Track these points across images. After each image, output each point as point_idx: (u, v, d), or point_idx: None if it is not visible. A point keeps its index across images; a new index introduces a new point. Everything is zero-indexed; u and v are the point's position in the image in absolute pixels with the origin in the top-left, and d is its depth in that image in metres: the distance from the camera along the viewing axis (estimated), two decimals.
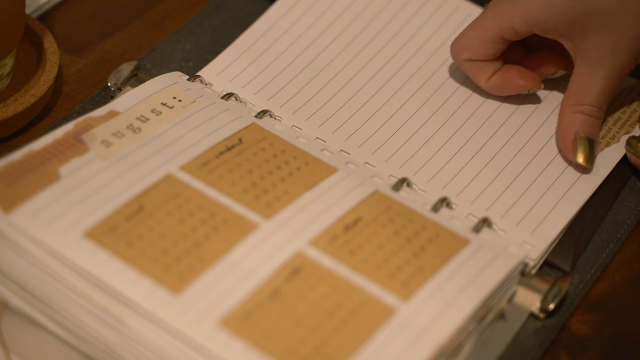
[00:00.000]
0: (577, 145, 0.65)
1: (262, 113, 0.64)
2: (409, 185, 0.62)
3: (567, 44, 0.65)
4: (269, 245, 0.56)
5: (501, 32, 0.65)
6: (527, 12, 0.64)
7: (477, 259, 0.57)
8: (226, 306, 0.53)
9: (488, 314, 0.57)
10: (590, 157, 0.64)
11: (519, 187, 0.63)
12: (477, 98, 0.68)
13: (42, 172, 0.57)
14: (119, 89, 0.67)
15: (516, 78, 0.67)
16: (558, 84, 0.69)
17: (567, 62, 0.68)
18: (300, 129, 0.65)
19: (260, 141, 0.62)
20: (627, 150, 0.66)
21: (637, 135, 0.66)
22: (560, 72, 0.68)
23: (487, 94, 0.68)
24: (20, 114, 0.65)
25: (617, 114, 0.68)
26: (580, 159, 0.64)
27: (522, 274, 0.59)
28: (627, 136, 0.67)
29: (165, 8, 0.74)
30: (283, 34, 0.71)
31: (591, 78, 0.65)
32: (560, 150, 0.66)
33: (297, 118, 0.66)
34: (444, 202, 0.61)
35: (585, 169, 0.65)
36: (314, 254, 0.56)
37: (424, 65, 0.70)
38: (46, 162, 0.58)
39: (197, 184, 0.58)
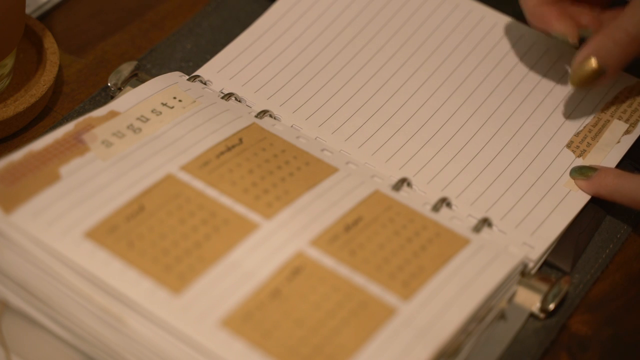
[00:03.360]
0: (581, 67, 0.63)
1: (263, 113, 0.64)
2: (409, 185, 0.62)
3: None
4: (270, 245, 0.56)
5: None
6: None
7: (477, 258, 0.57)
8: (227, 306, 0.53)
9: (488, 314, 0.57)
10: (581, 82, 0.63)
11: (518, 189, 0.63)
12: (476, 99, 0.68)
13: (43, 173, 0.57)
14: (119, 89, 0.67)
15: (554, 18, 0.65)
16: (556, 85, 0.69)
17: (597, 22, 0.66)
18: (300, 129, 0.65)
19: (260, 141, 0.62)
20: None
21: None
22: (589, 32, 0.66)
23: (486, 95, 0.68)
24: (20, 114, 0.65)
25: (617, 114, 0.68)
26: (573, 80, 0.64)
27: (522, 274, 0.59)
28: (627, 136, 0.66)
29: (165, 8, 0.74)
30: (283, 33, 0.71)
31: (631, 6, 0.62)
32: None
33: (297, 117, 0.66)
34: (444, 202, 0.61)
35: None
36: (315, 254, 0.56)
37: (423, 65, 0.70)
38: (46, 162, 0.58)
39: (198, 184, 0.58)
